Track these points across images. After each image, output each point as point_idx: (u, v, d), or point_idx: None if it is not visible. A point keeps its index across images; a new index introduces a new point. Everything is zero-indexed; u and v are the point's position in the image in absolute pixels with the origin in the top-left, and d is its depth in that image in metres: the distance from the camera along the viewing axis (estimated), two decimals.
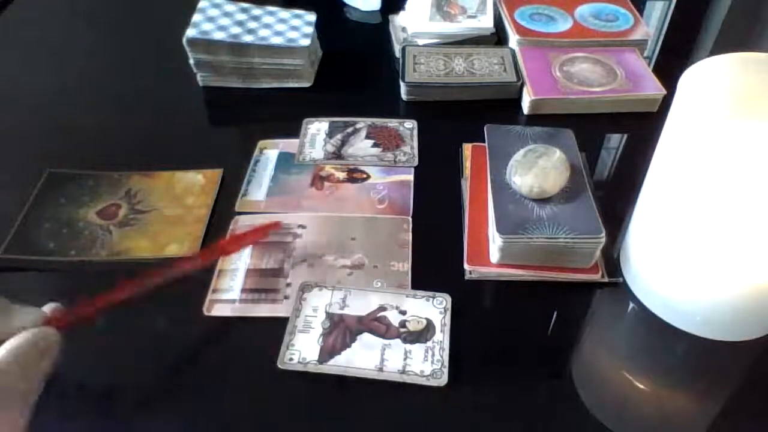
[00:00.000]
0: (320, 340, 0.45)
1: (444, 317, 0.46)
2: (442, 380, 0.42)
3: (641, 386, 0.44)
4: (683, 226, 0.42)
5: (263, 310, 0.47)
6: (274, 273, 0.50)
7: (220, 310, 0.47)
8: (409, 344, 0.45)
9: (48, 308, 0.37)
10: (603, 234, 0.47)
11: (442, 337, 0.45)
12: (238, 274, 0.50)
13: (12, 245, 0.51)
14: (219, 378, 0.44)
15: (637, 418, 0.43)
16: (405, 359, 0.44)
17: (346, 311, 0.47)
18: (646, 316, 0.47)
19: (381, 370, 0.43)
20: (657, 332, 0.47)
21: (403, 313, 0.47)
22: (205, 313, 0.47)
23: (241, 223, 0.54)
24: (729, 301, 0.43)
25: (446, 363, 0.43)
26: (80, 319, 0.38)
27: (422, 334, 0.45)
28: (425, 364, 0.43)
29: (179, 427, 0.41)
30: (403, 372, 0.43)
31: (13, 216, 0.54)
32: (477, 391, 0.43)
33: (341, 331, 0.45)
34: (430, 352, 0.44)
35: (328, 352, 0.44)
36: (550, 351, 0.46)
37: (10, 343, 0.32)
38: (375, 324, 0.46)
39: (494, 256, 0.49)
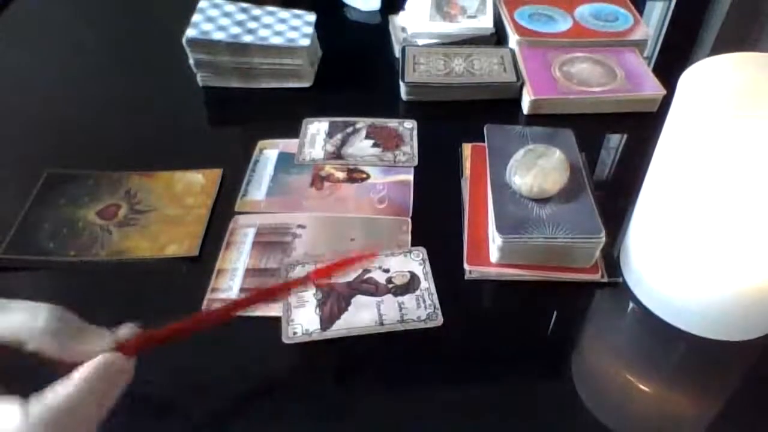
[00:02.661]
0: (317, 310, 0.47)
1: (424, 267, 0.50)
2: (438, 321, 0.46)
3: (641, 386, 0.44)
4: (683, 226, 0.42)
5: (261, 309, 0.47)
6: (272, 273, 0.50)
7: None
8: (400, 296, 0.47)
9: (123, 331, 0.35)
10: (603, 234, 0.47)
11: (427, 284, 0.48)
12: (237, 274, 0.50)
13: (12, 245, 0.51)
14: (214, 374, 0.44)
15: (636, 417, 0.43)
16: (401, 310, 0.46)
17: (333, 280, 0.49)
18: (645, 315, 0.47)
19: (382, 323, 0.46)
20: (657, 332, 0.47)
21: (387, 271, 0.50)
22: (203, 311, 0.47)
23: (242, 222, 0.54)
24: (729, 301, 0.43)
25: (438, 305, 0.47)
26: (151, 345, 0.36)
27: (410, 285, 0.49)
28: (420, 310, 0.46)
29: (180, 428, 0.42)
30: (402, 321, 0.46)
31: (13, 216, 0.54)
32: (477, 390, 0.43)
33: (335, 298, 0.47)
34: (421, 299, 0.47)
35: (327, 320, 0.46)
36: (549, 351, 0.46)
37: (85, 372, 0.31)
38: (364, 285, 0.48)
39: (494, 256, 0.49)
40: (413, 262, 0.50)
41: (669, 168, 0.43)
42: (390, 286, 0.48)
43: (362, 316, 0.46)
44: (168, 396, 0.43)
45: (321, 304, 0.47)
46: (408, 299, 0.47)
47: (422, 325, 0.46)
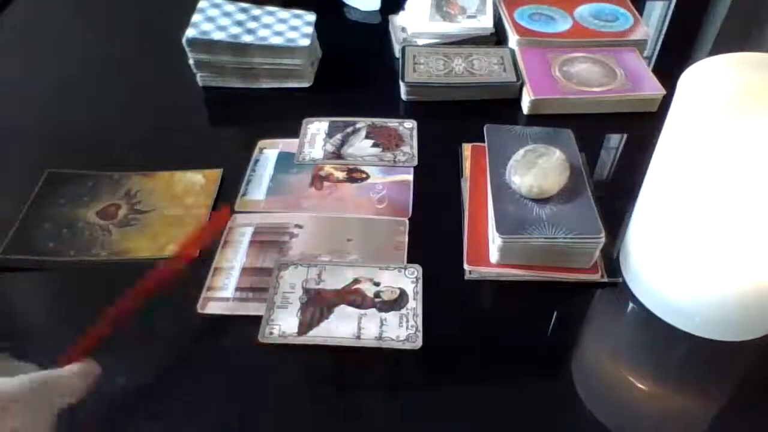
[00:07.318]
0: (298, 314, 0.46)
1: (416, 286, 0.48)
2: (417, 343, 0.44)
3: (641, 386, 0.44)
4: (683, 226, 0.42)
5: (257, 308, 0.47)
6: (269, 272, 0.50)
7: (213, 308, 0.47)
8: (384, 312, 0.46)
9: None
10: (602, 234, 0.47)
11: (415, 304, 0.47)
12: (233, 273, 0.50)
13: (12, 245, 0.51)
14: (209, 371, 0.44)
15: (636, 417, 0.43)
16: (381, 326, 0.46)
17: (322, 286, 0.48)
18: (645, 316, 0.47)
19: (359, 337, 0.45)
20: (656, 332, 0.47)
21: (377, 284, 0.49)
22: (199, 310, 0.47)
23: (239, 221, 0.54)
24: (728, 301, 0.43)
25: (420, 328, 0.45)
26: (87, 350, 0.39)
27: (396, 303, 0.47)
28: (400, 329, 0.45)
29: (179, 424, 0.42)
30: (379, 338, 0.45)
31: (13, 216, 0.54)
32: (477, 390, 0.43)
33: (318, 304, 0.47)
34: (404, 319, 0.46)
35: (306, 325, 0.46)
36: (549, 351, 0.46)
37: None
38: (350, 296, 0.48)
39: (494, 256, 0.49)
40: (406, 279, 0.49)
41: (669, 168, 0.43)
42: (377, 300, 0.47)
43: (341, 326, 0.46)
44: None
45: (303, 308, 0.47)
46: (391, 316, 0.46)
47: (399, 346, 0.44)
